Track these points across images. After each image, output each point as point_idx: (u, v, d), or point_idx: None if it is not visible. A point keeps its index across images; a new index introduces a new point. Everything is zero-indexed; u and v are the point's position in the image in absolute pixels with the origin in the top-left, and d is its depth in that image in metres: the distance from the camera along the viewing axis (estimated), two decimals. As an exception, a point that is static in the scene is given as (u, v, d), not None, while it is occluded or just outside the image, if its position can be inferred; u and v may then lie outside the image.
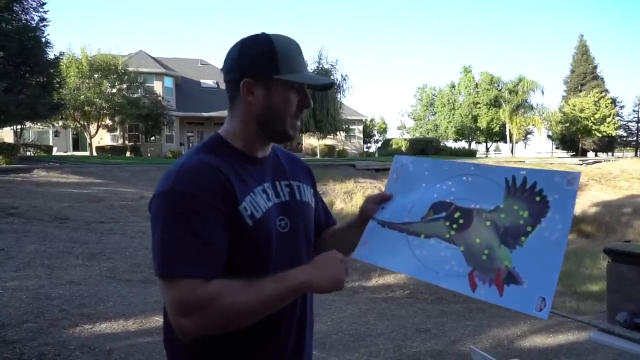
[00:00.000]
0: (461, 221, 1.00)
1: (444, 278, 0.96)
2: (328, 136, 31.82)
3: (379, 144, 48.39)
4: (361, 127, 40.34)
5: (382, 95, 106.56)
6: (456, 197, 1.03)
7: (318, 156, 32.40)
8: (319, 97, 28.71)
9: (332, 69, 30.45)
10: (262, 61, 1.01)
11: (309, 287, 0.94)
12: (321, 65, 30.25)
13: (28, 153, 23.04)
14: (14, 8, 17.11)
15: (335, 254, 0.98)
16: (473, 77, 44.99)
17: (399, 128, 53.83)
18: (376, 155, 40.52)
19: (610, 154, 44.12)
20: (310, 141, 35.18)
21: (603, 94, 42.38)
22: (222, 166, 0.98)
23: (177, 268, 0.89)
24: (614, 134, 42.55)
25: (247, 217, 0.98)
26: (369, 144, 50.08)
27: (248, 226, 0.97)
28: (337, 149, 35.14)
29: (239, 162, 1.03)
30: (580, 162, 28.95)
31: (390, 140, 42.70)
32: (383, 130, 54.43)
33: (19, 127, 23.08)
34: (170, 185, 0.94)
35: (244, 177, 1.02)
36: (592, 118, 40.77)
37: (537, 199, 0.94)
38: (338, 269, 0.95)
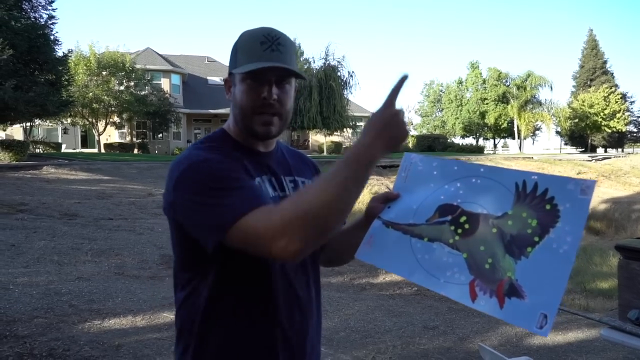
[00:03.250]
0: (467, 226, 0.96)
1: (444, 285, 0.93)
2: (335, 133, 31.78)
3: (386, 141, 48.17)
4: (368, 124, 40.18)
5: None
6: (463, 200, 0.99)
7: (325, 153, 32.38)
8: (325, 94, 28.69)
9: (339, 66, 30.38)
10: (230, 59, 1.06)
11: (378, 154, 0.89)
12: (328, 62, 30.18)
13: (37, 150, 23.25)
14: (23, 6, 17.23)
15: (382, 114, 0.92)
16: (480, 73, 44.67)
17: (406, 124, 53.61)
18: (383, 151, 40.35)
19: (620, 150, 43.67)
20: (317, 138, 35.17)
21: (613, 89, 41.93)
22: (228, 151, 1.00)
23: (241, 207, 0.85)
24: (623, 130, 42.10)
25: None
26: (375, 141, 49.91)
27: None
28: (344, 146, 35.11)
29: (242, 154, 1.04)
30: (590, 158, 28.69)
31: (397, 136, 42.48)
32: (390, 127, 54.20)
33: (28, 124, 23.28)
34: (188, 163, 0.93)
35: (247, 166, 1.03)
36: (601, 114, 40.36)
37: (548, 207, 0.89)
38: (399, 127, 0.91)
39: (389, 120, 0.90)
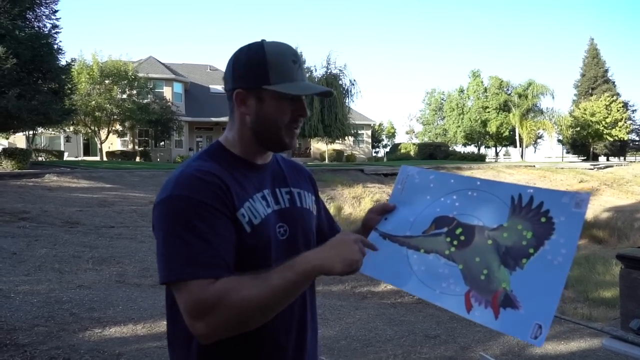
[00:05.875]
0: (462, 238, 0.97)
1: (440, 296, 0.94)
2: (336, 141, 31.83)
3: (388, 149, 48.30)
4: (370, 132, 40.33)
5: (391, 99, 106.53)
6: (459, 213, 1.01)
7: (326, 161, 32.43)
8: (327, 102, 28.77)
9: (341, 74, 30.50)
10: (253, 71, 1.01)
11: (321, 270, 0.90)
12: (329, 70, 30.32)
13: (40, 158, 23.31)
14: (27, 16, 17.37)
15: (348, 234, 0.95)
16: (482, 82, 44.78)
17: (407, 132, 53.74)
18: (385, 160, 40.48)
19: (622, 158, 43.61)
20: (318, 146, 35.24)
21: (614, 97, 41.96)
22: (221, 173, 0.99)
23: (183, 272, 0.87)
24: (625, 138, 42.08)
25: (246, 223, 0.98)
26: (377, 149, 50.04)
27: (246, 233, 0.97)
28: (346, 154, 35.16)
29: (238, 169, 1.04)
30: (592, 167, 28.62)
31: (398, 145, 42.62)
32: (392, 135, 54.36)
33: (31, 132, 23.37)
34: (170, 192, 0.94)
35: (243, 183, 1.02)
36: (603, 122, 40.36)
37: (543, 219, 0.90)
38: (351, 249, 0.91)
39: (351, 243, 0.92)
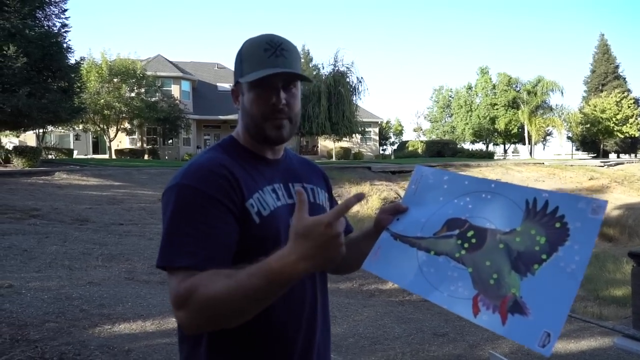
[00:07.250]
0: (473, 241, 0.95)
1: (447, 299, 0.92)
2: (344, 138, 31.81)
3: (395, 146, 48.15)
4: (377, 129, 40.22)
5: (398, 97, 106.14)
6: (472, 215, 0.99)
7: (334, 158, 32.41)
8: (334, 100, 28.76)
9: (348, 72, 30.47)
10: (235, 67, 1.09)
11: (297, 277, 0.79)
12: (337, 68, 30.29)
13: (50, 156, 23.51)
14: (37, 15, 17.52)
15: (319, 225, 0.78)
16: (490, 78, 44.44)
17: (415, 130, 53.49)
18: (392, 157, 40.36)
19: (633, 155, 43.11)
20: (325, 143, 35.21)
21: (625, 94, 41.47)
22: (231, 164, 1.00)
23: (171, 260, 0.89)
24: (636, 135, 41.56)
25: (254, 214, 0.98)
26: (385, 146, 49.87)
27: (255, 223, 0.98)
28: (353, 152, 35.10)
29: (249, 162, 1.06)
30: (602, 164, 28.32)
31: (406, 142, 42.47)
32: (399, 133, 54.13)
33: (41, 131, 23.60)
34: (178, 180, 0.97)
35: (253, 175, 1.03)
36: (613, 119, 39.91)
37: (557, 225, 0.88)
38: (330, 245, 0.78)
39: (327, 240, 0.77)
